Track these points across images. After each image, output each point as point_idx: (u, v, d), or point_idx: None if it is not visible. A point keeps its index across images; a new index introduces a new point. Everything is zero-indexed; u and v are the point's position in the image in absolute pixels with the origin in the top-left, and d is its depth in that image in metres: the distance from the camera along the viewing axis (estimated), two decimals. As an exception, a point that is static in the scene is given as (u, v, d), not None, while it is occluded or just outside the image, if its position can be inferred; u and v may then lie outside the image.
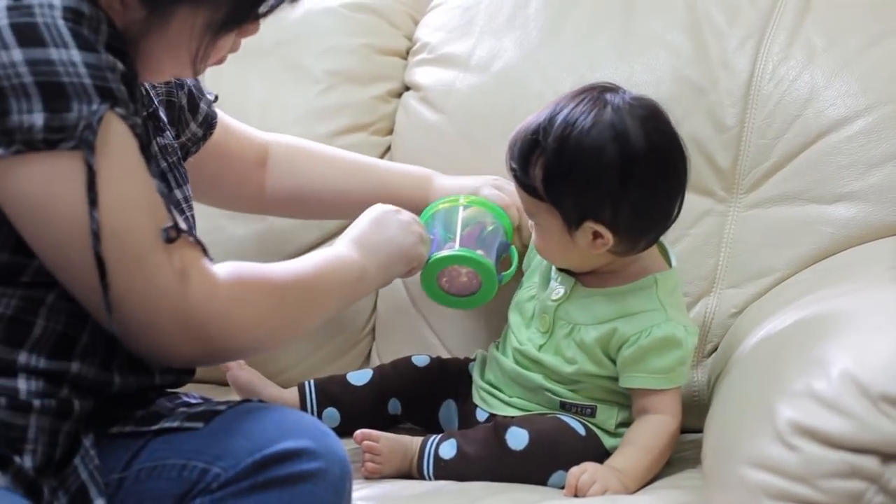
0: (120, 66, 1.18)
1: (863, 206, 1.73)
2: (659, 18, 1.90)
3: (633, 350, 1.53)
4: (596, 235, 1.52)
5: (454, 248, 1.60)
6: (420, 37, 2.06)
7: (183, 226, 1.22)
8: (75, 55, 1.15)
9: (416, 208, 1.69)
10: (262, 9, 1.28)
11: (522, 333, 1.62)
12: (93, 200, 1.14)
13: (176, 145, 1.47)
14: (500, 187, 1.71)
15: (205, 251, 1.24)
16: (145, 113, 1.38)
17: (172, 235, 1.19)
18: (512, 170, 1.55)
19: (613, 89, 1.54)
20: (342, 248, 1.46)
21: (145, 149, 1.20)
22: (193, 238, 1.22)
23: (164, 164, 1.42)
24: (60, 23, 1.15)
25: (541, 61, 1.93)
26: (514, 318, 1.65)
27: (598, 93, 1.53)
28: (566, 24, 1.94)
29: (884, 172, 1.73)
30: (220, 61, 1.34)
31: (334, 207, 1.79)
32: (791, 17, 1.83)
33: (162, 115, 1.47)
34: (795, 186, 1.77)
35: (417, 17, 2.11)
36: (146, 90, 1.44)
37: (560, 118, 1.51)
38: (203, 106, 1.62)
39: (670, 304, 1.56)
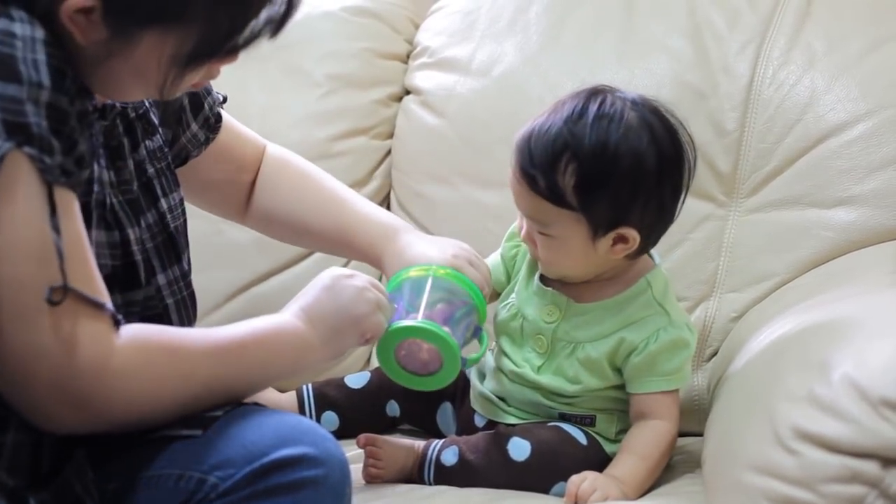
0: (46, 95, 1.10)
1: (863, 210, 1.73)
2: (659, 23, 1.90)
3: (643, 357, 1.52)
4: (617, 240, 1.50)
5: (417, 319, 1.44)
6: (421, 41, 2.06)
7: (99, 285, 1.15)
8: None
9: (369, 260, 1.63)
10: (236, 42, 1.22)
11: (517, 354, 1.59)
12: None
13: (167, 149, 1.42)
14: (470, 261, 1.57)
15: (112, 315, 1.15)
16: (133, 115, 1.34)
17: (56, 298, 1.10)
18: (528, 177, 1.49)
19: (617, 90, 1.52)
20: (287, 316, 1.33)
21: (52, 195, 1.11)
22: (94, 299, 1.13)
23: (150, 170, 1.36)
24: None
25: (541, 66, 1.93)
26: (502, 339, 1.62)
27: (610, 94, 1.50)
28: (567, 29, 1.94)
29: (884, 177, 1.73)
30: (196, 86, 1.29)
31: (296, 236, 1.70)
32: (791, 22, 1.84)
33: (153, 116, 1.41)
34: (796, 191, 1.78)
35: (418, 21, 2.11)
36: None
37: (590, 121, 1.47)
38: (206, 107, 1.55)
39: (668, 304, 1.55)
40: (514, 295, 1.62)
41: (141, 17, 1.17)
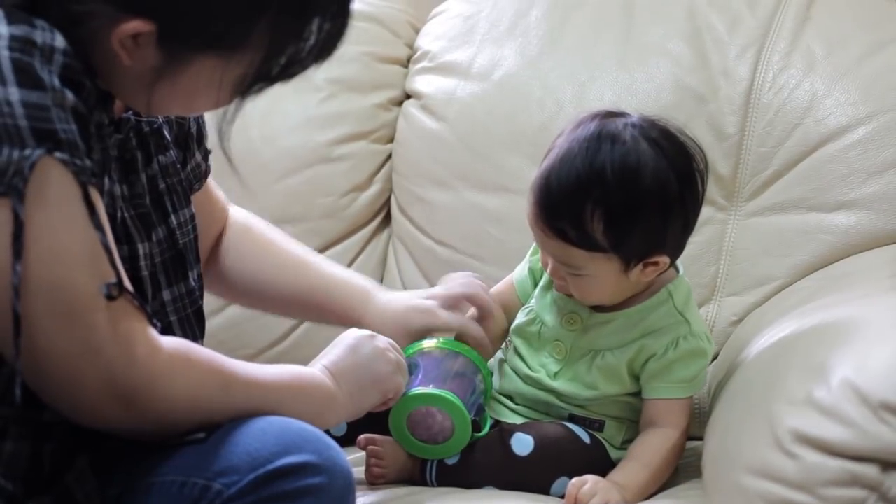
0: (70, 100, 1.10)
1: (863, 214, 1.73)
2: (659, 27, 1.90)
3: (660, 363, 1.53)
4: (648, 264, 1.50)
5: (441, 389, 1.49)
6: (421, 45, 2.06)
7: (129, 286, 1.15)
8: (13, 93, 1.07)
9: (347, 322, 1.58)
10: (293, 66, 1.21)
11: (533, 359, 1.59)
12: (17, 252, 1.07)
13: (178, 165, 1.40)
14: (474, 306, 1.59)
15: (149, 317, 1.16)
16: (147, 129, 1.34)
17: (114, 293, 1.11)
18: (556, 230, 1.48)
19: (618, 114, 1.51)
20: (315, 370, 1.35)
21: (88, 196, 1.11)
22: (139, 302, 1.15)
23: (161, 186, 1.35)
24: (4, 54, 1.08)
25: (541, 69, 1.93)
26: (518, 341, 1.62)
27: (615, 122, 1.48)
28: (567, 33, 1.94)
29: (884, 181, 1.74)
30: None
31: (265, 302, 1.67)
32: (791, 26, 1.84)
33: (166, 133, 1.39)
34: (796, 194, 1.78)
35: (418, 25, 2.11)
36: None
37: (607, 161, 1.45)
38: (204, 138, 1.51)
39: (689, 314, 1.55)
40: (533, 300, 1.62)
41: (201, 44, 1.16)
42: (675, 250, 1.53)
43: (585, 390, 1.56)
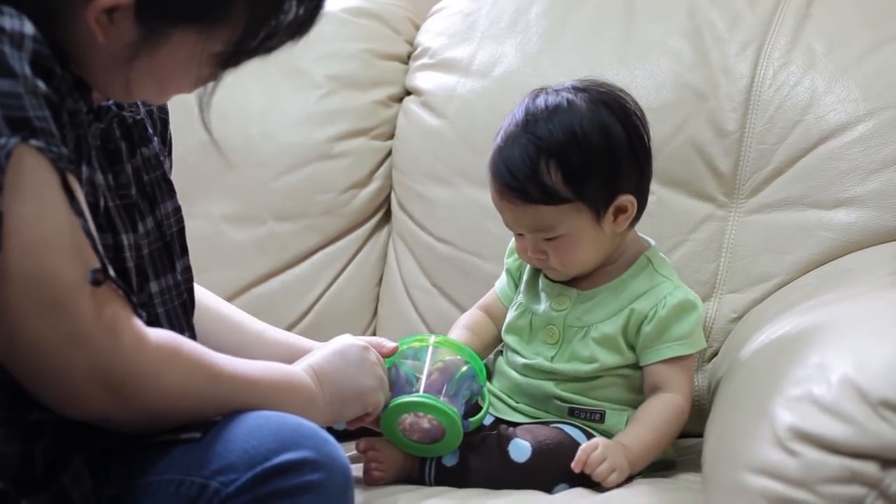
0: (42, 87, 1.09)
1: (863, 211, 1.73)
2: (660, 24, 1.90)
3: (654, 324, 1.56)
4: (618, 212, 1.55)
5: (416, 394, 1.49)
6: (421, 42, 2.06)
7: (112, 273, 1.14)
8: None
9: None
10: (272, 40, 1.20)
11: (527, 349, 1.62)
12: None
13: (162, 158, 1.38)
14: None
15: (134, 306, 1.15)
16: (130, 121, 1.33)
17: (100, 278, 1.10)
18: (518, 191, 1.54)
19: (550, 86, 1.59)
20: (298, 370, 1.34)
21: (67, 182, 1.10)
22: (124, 291, 1.13)
23: (146, 178, 1.34)
24: None
25: (542, 66, 1.93)
26: (510, 338, 1.65)
27: (546, 90, 1.58)
28: (567, 30, 1.94)
29: (884, 178, 1.74)
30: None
31: None
32: (791, 23, 1.84)
33: (148, 126, 1.37)
34: (796, 192, 1.78)
35: (419, 21, 2.11)
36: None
37: (546, 118, 1.54)
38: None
39: (671, 275, 1.60)
40: (520, 295, 1.66)
41: (181, 17, 1.16)
42: (639, 190, 1.58)
43: (585, 365, 1.58)
